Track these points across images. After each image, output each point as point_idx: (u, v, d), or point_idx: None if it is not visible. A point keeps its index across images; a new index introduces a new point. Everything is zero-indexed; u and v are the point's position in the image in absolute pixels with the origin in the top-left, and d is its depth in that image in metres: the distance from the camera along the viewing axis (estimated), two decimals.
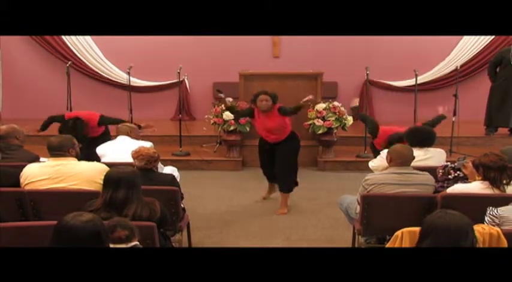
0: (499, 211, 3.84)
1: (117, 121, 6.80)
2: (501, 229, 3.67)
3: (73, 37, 10.23)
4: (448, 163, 5.20)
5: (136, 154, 4.88)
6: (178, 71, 8.86)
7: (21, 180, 4.68)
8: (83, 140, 6.36)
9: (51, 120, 7.15)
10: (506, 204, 3.91)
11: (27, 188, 4.62)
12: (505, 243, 3.61)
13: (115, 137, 5.94)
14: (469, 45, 10.16)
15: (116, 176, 3.92)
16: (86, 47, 10.31)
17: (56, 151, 4.75)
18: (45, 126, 7.16)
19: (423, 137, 5.47)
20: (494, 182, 4.35)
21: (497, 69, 8.83)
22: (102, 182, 4.01)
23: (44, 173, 4.65)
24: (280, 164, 6.23)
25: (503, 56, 8.80)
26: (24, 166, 4.79)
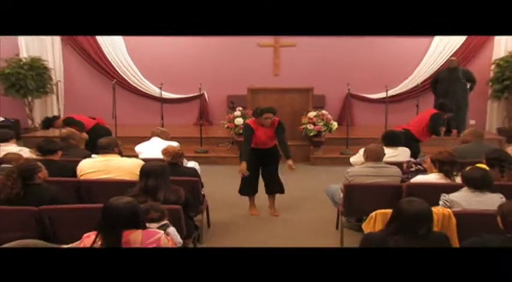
0: (450, 196, 3.86)
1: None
2: (452, 210, 3.71)
3: (117, 59, 10.26)
4: (411, 159, 5.23)
5: (165, 151, 4.94)
6: (199, 86, 8.93)
7: (78, 172, 4.74)
8: None
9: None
10: (456, 191, 3.93)
11: (82, 178, 4.68)
12: (454, 221, 3.63)
13: (149, 138, 5.95)
14: (427, 66, 10.15)
15: (147, 169, 3.97)
16: (127, 67, 10.33)
17: (104, 149, 4.81)
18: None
19: (395, 139, 5.47)
20: (447, 174, 4.37)
21: (437, 85, 9.00)
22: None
23: (94, 167, 4.72)
24: (273, 168, 5.66)
25: (439, 76, 9.04)
26: (79, 161, 4.84)
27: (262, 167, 5.64)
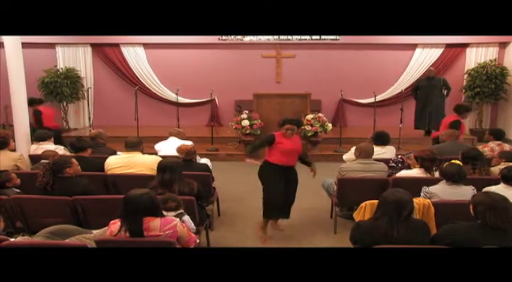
0: (430, 189, 3.88)
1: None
2: (431, 201, 3.71)
3: (139, 68, 10.28)
4: (399, 156, 5.24)
5: (179, 149, 4.96)
6: (211, 92, 8.95)
7: (105, 167, 4.77)
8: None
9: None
10: (435, 184, 3.94)
11: (109, 172, 4.70)
12: (432, 211, 3.64)
13: (166, 138, 5.97)
14: (410, 75, 10.16)
15: (163, 165, 3.98)
16: (148, 75, 10.36)
17: (130, 147, 4.84)
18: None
19: (383, 138, 5.46)
20: (428, 169, 4.38)
21: (417, 92, 8.99)
22: None
23: (119, 162, 4.75)
24: (294, 190, 4.72)
25: (419, 84, 9.02)
26: (106, 158, 4.88)
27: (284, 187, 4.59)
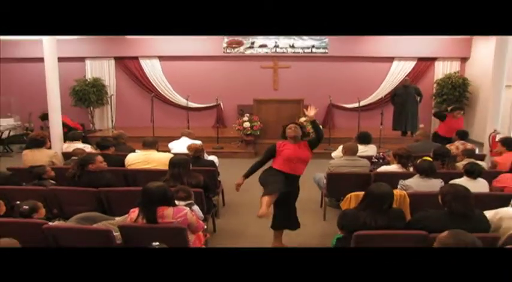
0: (405, 182, 3.90)
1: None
2: (406, 192, 3.74)
3: (155, 78, 10.30)
4: (380, 153, 5.26)
5: (188, 147, 5.00)
6: (217, 98, 8.96)
7: (126, 163, 4.79)
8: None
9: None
10: (410, 177, 3.97)
11: (129, 168, 4.73)
12: (407, 200, 3.66)
13: (179, 137, 6.00)
14: (388, 83, 10.18)
15: (172, 161, 4.02)
16: (162, 84, 10.38)
17: (147, 146, 4.86)
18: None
19: (366, 138, 5.47)
20: (404, 165, 4.40)
21: (395, 98, 8.99)
22: None
23: (138, 159, 4.77)
24: (294, 203, 3.99)
25: (396, 91, 9.05)
26: (126, 155, 4.90)
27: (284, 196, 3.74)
